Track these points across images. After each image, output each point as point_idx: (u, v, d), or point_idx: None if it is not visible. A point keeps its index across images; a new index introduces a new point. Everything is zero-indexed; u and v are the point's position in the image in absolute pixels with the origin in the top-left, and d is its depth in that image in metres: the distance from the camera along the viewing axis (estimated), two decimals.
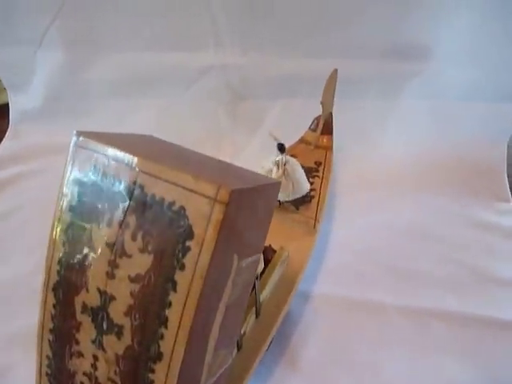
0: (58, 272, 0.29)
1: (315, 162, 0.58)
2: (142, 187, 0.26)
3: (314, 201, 0.52)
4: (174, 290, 0.25)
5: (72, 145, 0.29)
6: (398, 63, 0.67)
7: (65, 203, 0.29)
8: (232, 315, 0.30)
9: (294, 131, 0.62)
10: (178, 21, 0.71)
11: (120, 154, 0.27)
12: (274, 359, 0.41)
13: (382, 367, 0.40)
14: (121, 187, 0.27)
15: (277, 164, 0.48)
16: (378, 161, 0.65)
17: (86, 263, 0.28)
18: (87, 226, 0.28)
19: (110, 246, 0.27)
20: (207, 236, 0.24)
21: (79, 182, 0.28)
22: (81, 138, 0.28)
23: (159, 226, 0.25)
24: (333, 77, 0.57)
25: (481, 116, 0.67)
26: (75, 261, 0.29)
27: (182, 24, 0.71)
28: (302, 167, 0.53)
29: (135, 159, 0.26)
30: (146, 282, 0.26)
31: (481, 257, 0.51)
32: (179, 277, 0.25)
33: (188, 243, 0.24)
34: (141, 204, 0.26)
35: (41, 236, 0.53)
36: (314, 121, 0.62)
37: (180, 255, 0.25)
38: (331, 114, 0.60)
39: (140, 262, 0.26)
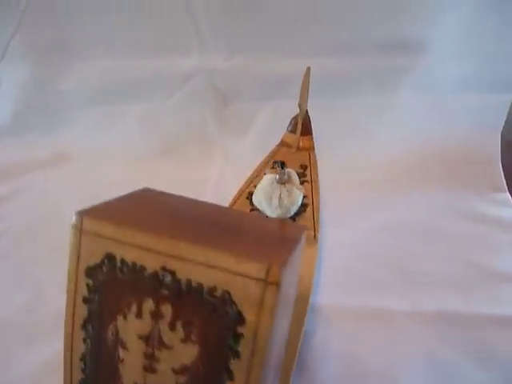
0: (83, 370, 0.26)
1: (301, 166, 0.56)
2: (173, 273, 0.23)
3: (309, 209, 0.51)
4: (231, 379, 0.23)
5: (73, 230, 0.25)
6: (391, 58, 0.65)
7: (77, 296, 0.25)
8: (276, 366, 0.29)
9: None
10: (158, 24, 0.66)
11: (139, 237, 0.23)
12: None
13: (399, 377, 0.39)
14: (146, 275, 0.23)
15: (281, 182, 0.46)
16: (374, 158, 0.64)
17: (117, 358, 0.25)
18: (110, 318, 0.25)
19: (144, 338, 0.24)
20: (262, 322, 0.22)
21: (91, 274, 0.25)
22: (85, 221, 0.24)
23: (201, 314, 0.23)
24: (306, 75, 0.55)
25: (475, 107, 0.67)
26: (102, 356, 0.25)
27: (163, 27, 0.66)
28: None
29: (160, 243, 0.23)
30: (194, 372, 0.23)
31: (484, 253, 0.51)
32: (235, 366, 0.23)
33: (240, 330, 0.22)
34: (175, 291, 0.23)
35: (32, 270, 0.48)
36: (291, 122, 0.60)
37: (232, 343, 0.22)
38: (307, 113, 0.58)
39: (184, 353, 0.23)
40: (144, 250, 0.23)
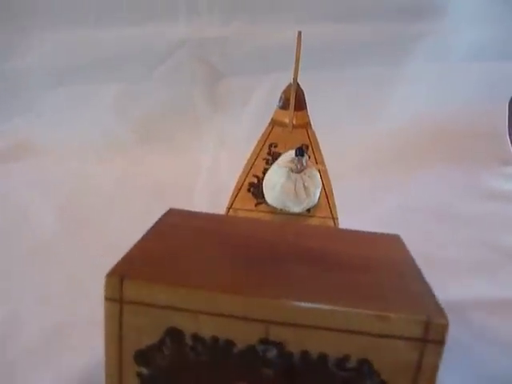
0: None
1: (300, 147, 0.50)
2: (280, 345, 0.16)
3: (322, 195, 0.45)
4: None
5: (109, 302, 0.16)
6: (403, 26, 0.58)
7: None
8: None
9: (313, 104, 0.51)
10: None
11: (219, 301, 0.16)
12: None
13: None
14: (235, 351, 0.16)
15: (297, 171, 0.39)
16: (382, 134, 0.58)
17: None
18: None
19: None
20: None
21: (145, 359, 0.17)
22: (127, 286, 0.16)
23: None
24: (298, 42, 0.47)
25: (486, 77, 0.63)
26: None
27: None
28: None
29: (257, 306, 0.15)
30: None
31: (502, 232, 0.48)
32: None
33: None
34: (285, 369, 0.16)
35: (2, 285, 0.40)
36: (281, 97, 0.52)
37: None
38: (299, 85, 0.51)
39: None
40: (230, 318, 0.16)
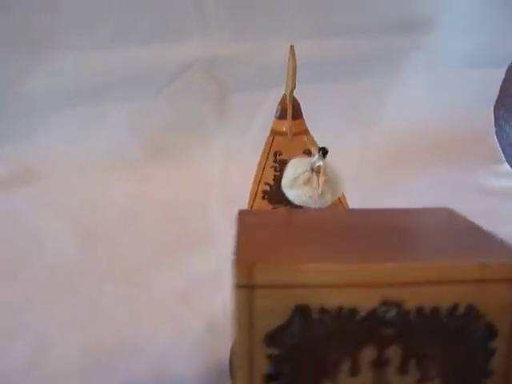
0: None
1: (304, 152, 0.52)
2: (398, 305, 0.18)
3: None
4: None
5: (240, 290, 0.17)
6: (396, 38, 0.63)
7: (255, 378, 0.18)
8: None
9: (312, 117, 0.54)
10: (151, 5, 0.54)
11: (342, 273, 0.17)
12: None
13: None
14: (358, 318, 0.18)
15: (317, 170, 0.41)
16: (379, 140, 0.62)
17: None
18: None
19: None
20: None
21: (274, 340, 0.18)
22: (258, 272, 0.17)
23: (439, 343, 0.18)
24: (292, 55, 0.50)
25: (473, 83, 0.69)
26: None
27: (157, 9, 0.54)
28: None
29: (376, 271, 0.17)
30: None
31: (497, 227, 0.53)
32: None
33: (491, 345, 0.18)
34: (403, 327, 0.18)
35: (23, 319, 0.41)
36: (278, 107, 0.55)
37: (482, 363, 0.19)
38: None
39: None
40: (353, 287, 0.18)
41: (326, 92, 0.58)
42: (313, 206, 0.44)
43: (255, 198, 0.48)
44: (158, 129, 0.63)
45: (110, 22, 0.56)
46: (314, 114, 0.52)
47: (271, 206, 0.47)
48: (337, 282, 0.18)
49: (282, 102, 0.55)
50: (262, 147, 0.53)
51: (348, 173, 0.57)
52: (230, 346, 0.43)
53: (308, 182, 0.42)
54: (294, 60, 0.50)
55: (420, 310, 0.18)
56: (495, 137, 0.69)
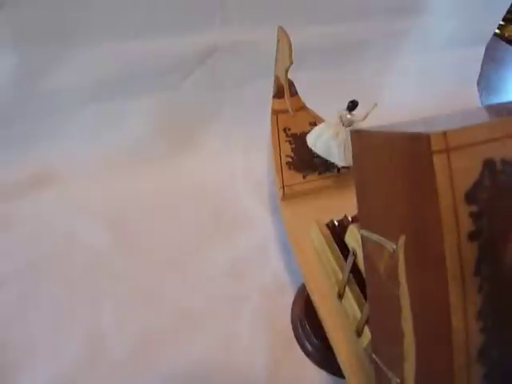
0: (483, 329, 0.20)
1: (310, 124, 0.55)
2: None
3: None
4: None
5: (437, 155, 0.19)
6: (389, 23, 0.68)
7: (461, 238, 0.19)
8: None
9: (318, 104, 0.56)
10: None
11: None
12: None
13: None
14: None
15: (341, 122, 0.43)
16: (382, 117, 0.66)
17: None
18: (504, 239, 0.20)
19: None
20: None
21: (472, 197, 0.19)
22: (450, 136, 0.19)
23: None
24: (282, 36, 0.53)
25: (458, 62, 0.76)
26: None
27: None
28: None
29: None
30: None
31: None
32: None
33: None
34: None
35: (73, 314, 0.43)
36: (273, 88, 0.57)
37: None
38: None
39: None
40: None
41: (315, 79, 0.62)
42: (340, 160, 0.46)
43: (282, 170, 0.49)
44: (180, 120, 0.63)
45: (132, 15, 0.55)
46: (316, 97, 0.56)
47: (301, 175, 0.49)
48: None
49: (277, 82, 0.58)
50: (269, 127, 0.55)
51: None
52: (287, 312, 0.45)
53: (337, 135, 0.44)
54: (288, 39, 0.53)
55: None
56: None
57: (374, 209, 0.25)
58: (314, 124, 0.55)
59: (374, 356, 0.29)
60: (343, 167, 0.48)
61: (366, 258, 0.28)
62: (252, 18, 0.61)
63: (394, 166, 0.22)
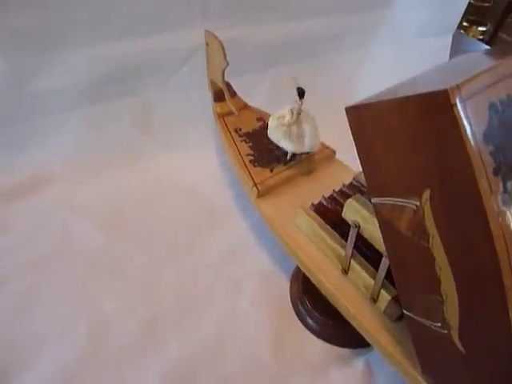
0: None
1: (257, 120, 0.55)
2: None
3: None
4: None
5: (455, 108, 0.20)
6: (363, 15, 0.71)
7: (483, 175, 0.21)
8: None
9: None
10: None
11: None
12: None
13: None
14: None
15: (291, 111, 0.45)
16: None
17: None
18: None
19: None
20: None
21: (494, 108, 0.22)
22: (462, 86, 0.21)
23: None
24: (212, 40, 0.52)
25: (431, 49, 0.79)
26: None
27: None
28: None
29: None
30: None
31: None
32: None
33: None
34: None
35: (81, 307, 0.45)
36: (212, 92, 0.56)
37: None
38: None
39: None
40: None
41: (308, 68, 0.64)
42: (296, 148, 0.48)
43: (248, 169, 0.49)
44: (166, 118, 0.65)
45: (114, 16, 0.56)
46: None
47: (268, 169, 0.49)
48: None
49: (213, 86, 0.57)
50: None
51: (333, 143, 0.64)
52: (285, 289, 0.48)
53: (286, 122, 0.46)
54: (219, 42, 0.53)
55: None
56: None
57: (387, 175, 0.27)
58: (261, 120, 0.56)
59: (405, 312, 0.31)
60: (303, 153, 0.49)
61: (382, 223, 0.29)
62: (232, 16, 0.63)
63: (410, 127, 0.23)
